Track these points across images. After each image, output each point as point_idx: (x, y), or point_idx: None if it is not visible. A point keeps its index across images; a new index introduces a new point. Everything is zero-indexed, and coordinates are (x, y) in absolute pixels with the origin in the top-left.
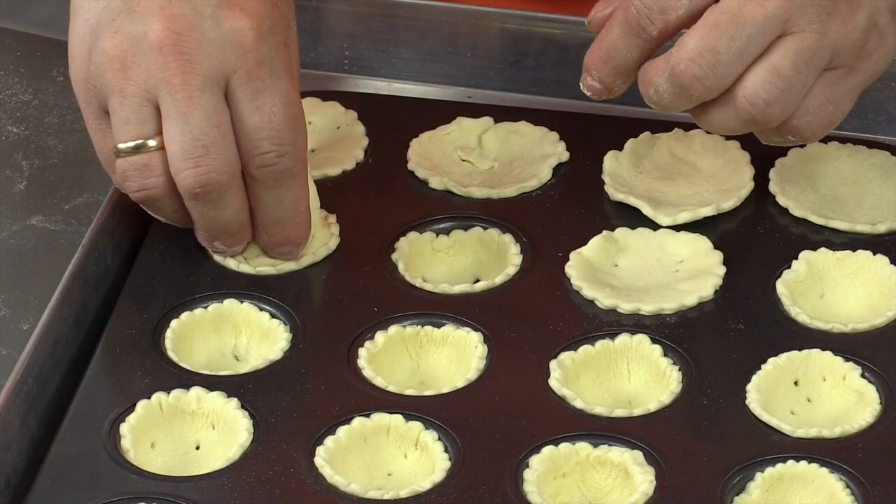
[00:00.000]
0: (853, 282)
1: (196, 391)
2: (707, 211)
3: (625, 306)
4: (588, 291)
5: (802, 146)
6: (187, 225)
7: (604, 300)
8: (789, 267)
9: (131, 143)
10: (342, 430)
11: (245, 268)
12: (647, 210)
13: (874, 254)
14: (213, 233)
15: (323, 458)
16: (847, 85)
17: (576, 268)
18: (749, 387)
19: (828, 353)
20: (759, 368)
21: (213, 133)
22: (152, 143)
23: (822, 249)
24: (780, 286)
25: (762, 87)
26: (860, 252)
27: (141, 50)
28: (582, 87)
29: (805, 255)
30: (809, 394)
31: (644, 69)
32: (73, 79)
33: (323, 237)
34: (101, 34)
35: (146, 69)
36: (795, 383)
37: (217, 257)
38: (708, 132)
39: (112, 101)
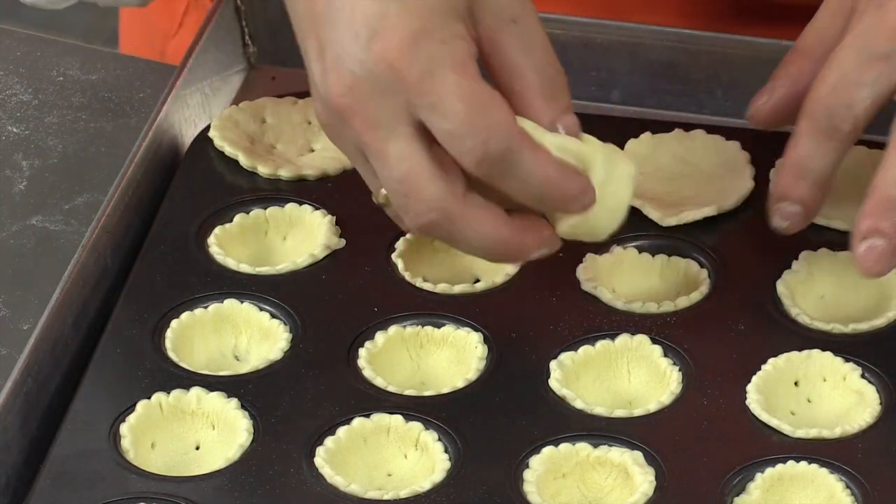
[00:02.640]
0: (854, 283)
1: (196, 391)
2: (708, 211)
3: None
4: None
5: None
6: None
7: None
8: (789, 267)
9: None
10: (342, 431)
11: (245, 268)
12: (647, 210)
13: None
14: (484, 257)
15: (323, 458)
16: None
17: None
18: (749, 387)
19: (828, 354)
20: (759, 369)
21: (410, 173)
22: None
23: (823, 250)
24: (781, 286)
25: None
26: None
27: (328, 117)
28: (775, 223)
29: (805, 255)
30: (810, 394)
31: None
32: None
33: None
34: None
35: (337, 135)
36: (796, 384)
37: (218, 258)
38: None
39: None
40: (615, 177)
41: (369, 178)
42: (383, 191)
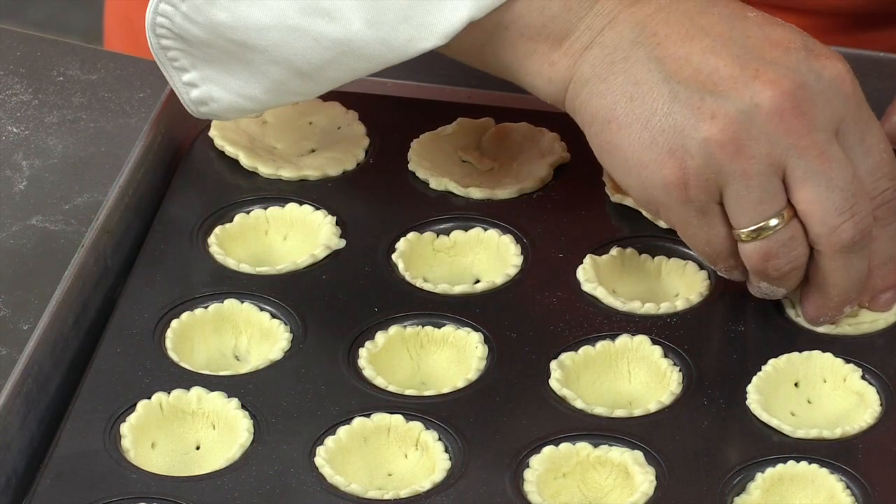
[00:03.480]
0: None
1: (196, 391)
2: None
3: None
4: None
5: None
6: (791, 292)
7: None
8: None
9: (759, 224)
10: (342, 430)
11: (245, 268)
12: (647, 212)
13: None
14: (850, 289)
15: (323, 458)
16: None
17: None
18: (749, 388)
19: (828, 355)
20: (760, 369)
21: (854, 182)
22: (785, 214)
23: None
24: None
25: None
26: None
27: (756, 123)
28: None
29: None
30: (810, 395)
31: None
32: (656, 187)
33: None
34: (684, 127)
35: (767, 141)
36: (796, 384)
37: (218, 258)
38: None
39: (733, 187)
40: None
41: (708, 226)
42: (759, 223)
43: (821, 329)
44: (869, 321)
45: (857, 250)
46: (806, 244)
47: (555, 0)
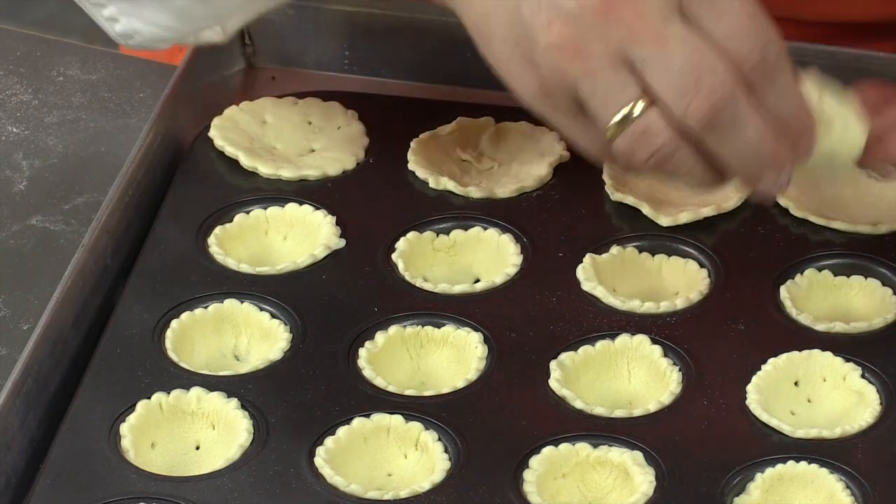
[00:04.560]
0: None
1: (196, 391)
2: (707, 211)
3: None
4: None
5: None
6: (712, 184)
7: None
8: (789, 267)
9: (622, 113)
10: (342, 431)
11: (245, 268)
12: (647, 210)
13: (874, 255)
14: (749, 166)
15: (323, 458)
16: None
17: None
18: (749, 387)
19: (828, 354)
20: (759, 369)
21: (695, 55)
22: (640, 104)
23: (826, 272)
24: (784, 291)
25: None
26: (854, 278)
27: (587, 22)
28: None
29: (809, 273)
30: (810, 394)
31: None
32: (526, 99)
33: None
34: (528, 36)
35: (599, 37)
36: (795, 384)
37: (218, 258)
38: None
39: (583, 89)
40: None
41: (584, 129)
42: (617, 117)
43: (820, 327)
44: (868, 321)
45: (722, 124)
46: (668, 132)
47: None
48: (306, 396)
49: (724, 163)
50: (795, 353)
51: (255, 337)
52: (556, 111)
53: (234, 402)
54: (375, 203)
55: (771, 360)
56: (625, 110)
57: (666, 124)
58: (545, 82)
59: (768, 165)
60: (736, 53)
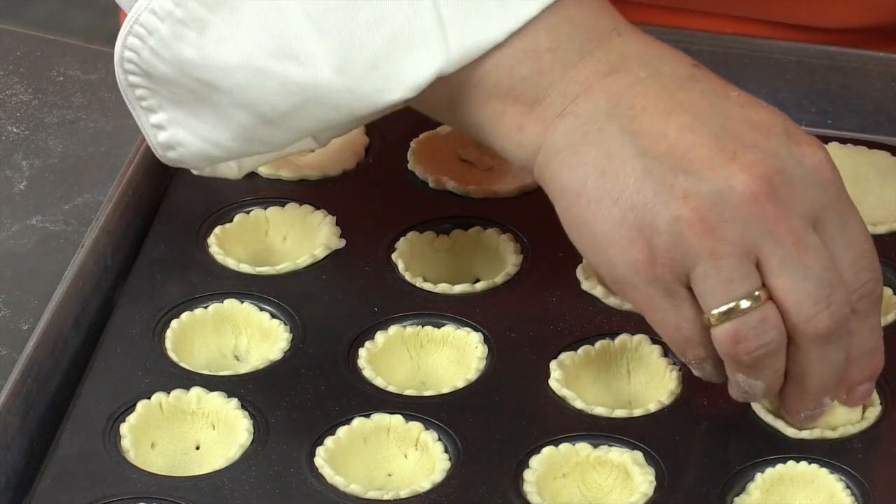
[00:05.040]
0: None
1: (196, 391)
2: None
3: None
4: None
5: None
6: (775, 390)
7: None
8: None
9: (729, 305)
10: (342, 431)
11: (245, 268)
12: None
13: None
14: (828, 381)
15: (323, 458)
16: None
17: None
18: None
19: None
20: None
21: (830, 271)
22: (757, 296)
23: None
24: None
25: None
26: None
27: (730, 206)
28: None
29: None
30: None
31: None
32: (621, 268)
33: None
34: (655, 204)
35: (740, 225)
36: None
37: (218, 258)
38: None
39: (702, 267)
40: None
41: (676, 309)
42: (729, 304)
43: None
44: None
45: (833, 341)
46: (780, 330)
47: (525, 62)
48: (306, 396)
49: (805, 373)
50: None
51: (255, 337)
52: (652, 284)
53: (234, 402)
54: (375, 203)
55: None
56: (744, 300)
57: (778, 324)
58: (658, 253)
59: (834, 389)
60: (854, 280)
